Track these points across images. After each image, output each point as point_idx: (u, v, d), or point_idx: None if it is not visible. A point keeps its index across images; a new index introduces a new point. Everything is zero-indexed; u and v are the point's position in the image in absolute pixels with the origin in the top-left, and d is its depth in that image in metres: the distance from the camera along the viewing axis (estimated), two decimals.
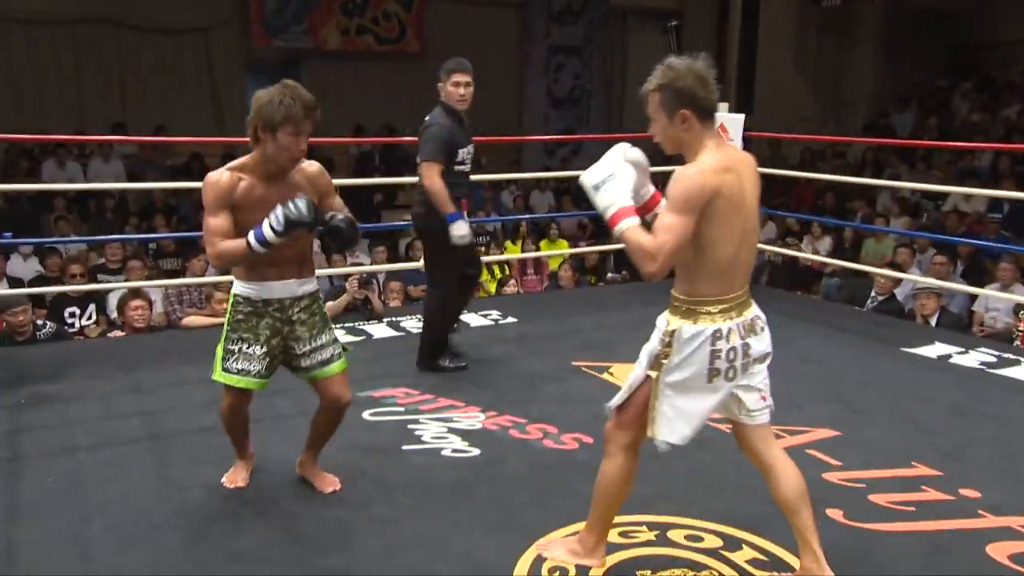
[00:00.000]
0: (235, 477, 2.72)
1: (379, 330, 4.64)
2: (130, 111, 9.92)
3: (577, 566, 2.25)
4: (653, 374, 2.06)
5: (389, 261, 6.83)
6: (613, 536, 2.41)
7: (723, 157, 1.98)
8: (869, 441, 3.16)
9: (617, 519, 2.49)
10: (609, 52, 12.43)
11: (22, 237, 6.38)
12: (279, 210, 2.25)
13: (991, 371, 4.07)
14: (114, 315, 5.35)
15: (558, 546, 2.31)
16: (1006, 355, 4.30)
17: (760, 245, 7.18)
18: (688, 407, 2.06)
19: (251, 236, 2.28)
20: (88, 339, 5.10)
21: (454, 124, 3.62)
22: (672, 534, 2.43)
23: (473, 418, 3.32)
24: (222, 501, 2.62)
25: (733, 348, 2.01)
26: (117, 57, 9.98)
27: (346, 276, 5.11)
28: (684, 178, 1.93)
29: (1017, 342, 4.85)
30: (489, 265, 7.17)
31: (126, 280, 5.85)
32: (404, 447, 3.04)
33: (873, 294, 5.89)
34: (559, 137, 11.30)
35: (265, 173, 2.37)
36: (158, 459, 2.92)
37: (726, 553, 2.36)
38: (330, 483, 2.69)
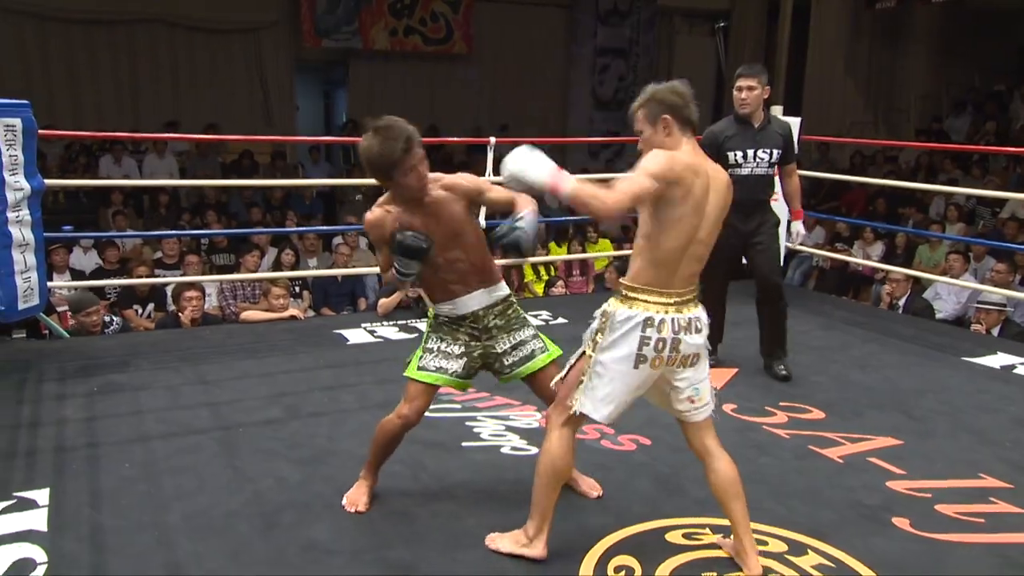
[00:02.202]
0: (357, 499, 2.58)
1: None
2: (183, 109, 10.16)
3: (522, 556, 2.30)
4: (588, 351, 2.20)
5: None
6: (677, 537, 2.44)
7: (697, 160, 2.16)
8: (933, 451, 3.14)
9: (680, 521, 2.53)
10: (655, 54, 12.38)
11: (82, 230, 6.59)
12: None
13: None
14: (172, 308, 5.50)
15: (504, 538, 2.35)
16: None
17: (808, 249, 7.14)
18: (613, 387, 2.16)
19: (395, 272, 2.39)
20: (148, 331, 5.24)
21: (733, 127, 3.85)
22: None
23: (530, 417, 3.36)
24: (292, 492, 2.69)
25: (663, 339, 2.13)
26: (171, 57, 10.23)
27: None
28: (656, 153, 2.11)
29: None
30: (535, 266, 7.21)
31: (183, 275, 6.00)
32: (464, 444, 3.09)
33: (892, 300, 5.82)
34: (603, 139, 11.31)
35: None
36: (227, 449, 3.01)
37: (791, 557, 2.36)
38: (594, 486, 2.69)
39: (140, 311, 5.64)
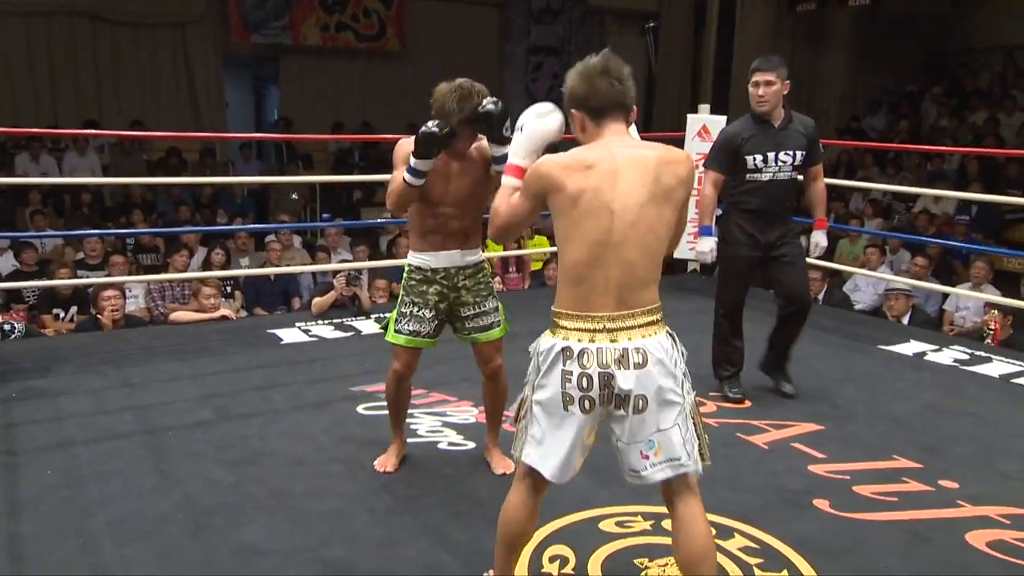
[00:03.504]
0: (386, 461, 2.86)
1: (367, 326, 4.67)
2: (105, 106, 9.79)
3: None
4: (527, 391, 1.88)
5: (371, 259, 6.83)
6: (610, 526, 2.49)
7: (593, 152, 1.79)
8: (852, 435, 3.27)
9: (613, 509, 2.57)
10: (587, 52, 12.47)
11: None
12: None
13: (965, 368, 4.21)
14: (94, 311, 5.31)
15: None
16: (978, 353, 4.46)
17: (827, 264, 6.54)
18: (552, 434, 1.81)
19: (404, 171, 2.48)
20: (69, 334, 5.04)
21: (751, 128, 3.45)
22: (667, 523, 2.47)
23: (467, 412, 3.37)
24: (223, 494, 2.63)
25: (586, 375, 1.74)
26: (92, 50, 9.82)
27: (334, 273, 5.12)
28: (535, 165, 1.83)
29: (988, 340, 5.00)
30: None
31: (107, 276, 5.79)
32: None
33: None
34: None
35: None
36: (154, 453, 2.93)
37: (719, 541, 2.42)
38: (502, 466, 2.83)
39: (63, 315, 5.43)
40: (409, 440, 3.08)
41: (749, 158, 3.43)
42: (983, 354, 4.44)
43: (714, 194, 3.53)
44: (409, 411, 3.33)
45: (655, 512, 2.53)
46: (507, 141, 2.32)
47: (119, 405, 3.37)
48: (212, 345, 4.26)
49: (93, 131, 8.31)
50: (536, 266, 7.45)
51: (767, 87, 3.39)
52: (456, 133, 2.50)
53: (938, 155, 9.25)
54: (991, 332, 5.06)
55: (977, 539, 2.50)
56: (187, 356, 4.05)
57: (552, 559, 2.30)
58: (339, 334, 4.52)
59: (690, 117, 5.55)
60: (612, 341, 1.75)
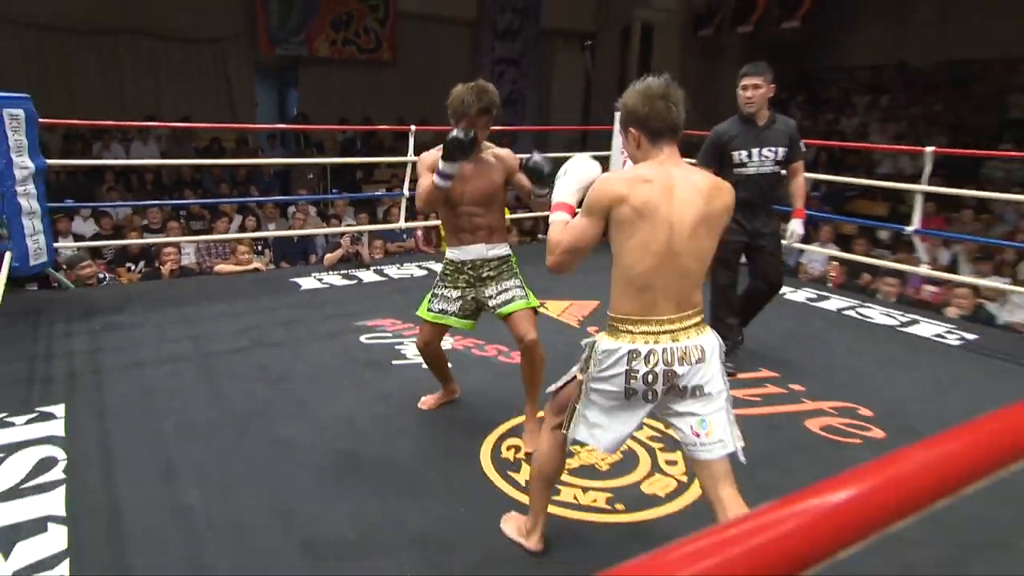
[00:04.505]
0: (428, 399, 2.66)
1: (367, 276, 4.63)
2: (162, 106, 9.42)
3: (519, 534, 1.87)
4: (580, 376, 1.64)
5: (370, 223, 6.71)
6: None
7: (652, 170, 1.53)
8: (730, 354, 3.33)
9: None
10: (540, 64, 12.26)
11: (81, 203, 6.07)
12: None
13: (813, 304, 4.33)
14: (156, 264, 5.18)
15: (511, 522, 1.91)
16: (822, 293, 4.58)
17: (801, 246, 5.72)
18: (608, 418, 1.60)
19: (434, 175, 2.22)
20: (137, 283, 4.92)
21: (737, 127, 3.04)
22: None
23: (444, 342, 3.37)
24: (260, 405, 2.63)
25: (652, 373, 1.53)
26: (151, 61, 9.43)
27: (342, 234, 5.05)
28: (596, 182, 1.56)
29: (830, 284, 5.14)
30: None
31: (166, 237, 5.63)
32: (394, 362, 3.09)
33: None
34: (500, 128, 11.20)
35: None
36: (206, 373, 2.90)
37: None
38: (534, 444, 2.28)
39: (133, 267, 5.29)
40: (400, 362, 3.09)
41: (735, 154, 3.03)
42: (825, 294, 4.57)
43: None
44: (401, 340, 3.35)
45: None
46: (547, 186, 2.04)
47: (178, 336, 3.32)
48: (247, 291, 4.19)
49: (153, 123, 7.98)
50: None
51: (754, 90, 3.01)
52: (478, 138, 2.18)
53: None
54: (832, 278, 5.20)
55: (814, 425, 2.62)
56: (228, 299, 3.98)
57: (508, 448, 2.36)
58: (345, 282, 4.48)
59: (617, 114, 5.51)
60: (674, 340, 1.53)
